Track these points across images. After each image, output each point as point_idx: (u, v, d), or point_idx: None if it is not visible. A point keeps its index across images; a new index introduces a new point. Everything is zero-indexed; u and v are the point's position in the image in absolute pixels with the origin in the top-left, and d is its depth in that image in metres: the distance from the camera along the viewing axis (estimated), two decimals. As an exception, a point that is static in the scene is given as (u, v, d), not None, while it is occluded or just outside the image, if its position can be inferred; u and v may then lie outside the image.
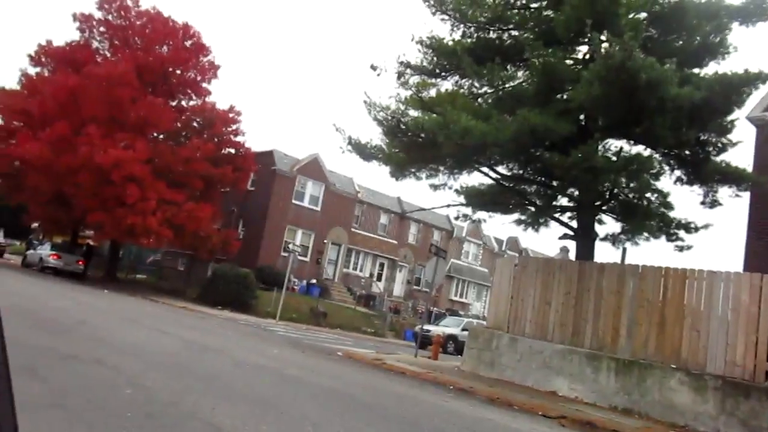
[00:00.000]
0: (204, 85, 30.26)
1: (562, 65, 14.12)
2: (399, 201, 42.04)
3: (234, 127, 29.42)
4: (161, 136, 28.82)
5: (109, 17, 28.70)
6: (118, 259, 32.61)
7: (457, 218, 18.96)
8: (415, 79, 16.65)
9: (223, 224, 32.19)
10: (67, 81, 25.74)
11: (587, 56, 14.54)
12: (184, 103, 30.65)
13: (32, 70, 30.47)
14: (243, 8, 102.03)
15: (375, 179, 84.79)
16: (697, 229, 15.42)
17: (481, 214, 18.30)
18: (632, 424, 9.97)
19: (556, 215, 16.59)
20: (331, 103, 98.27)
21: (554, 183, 15.73)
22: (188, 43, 29.29)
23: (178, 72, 29.46)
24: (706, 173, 14.65)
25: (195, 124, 29.37)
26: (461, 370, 14.50)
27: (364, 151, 16.61)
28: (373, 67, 16.00)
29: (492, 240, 48.51)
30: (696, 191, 15.45)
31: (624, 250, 15.97)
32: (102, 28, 29.04)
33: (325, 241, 36.90)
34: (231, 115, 29.25)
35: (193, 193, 27.50)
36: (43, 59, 29.95)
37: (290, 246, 28.82)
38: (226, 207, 32.23)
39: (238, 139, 29.86)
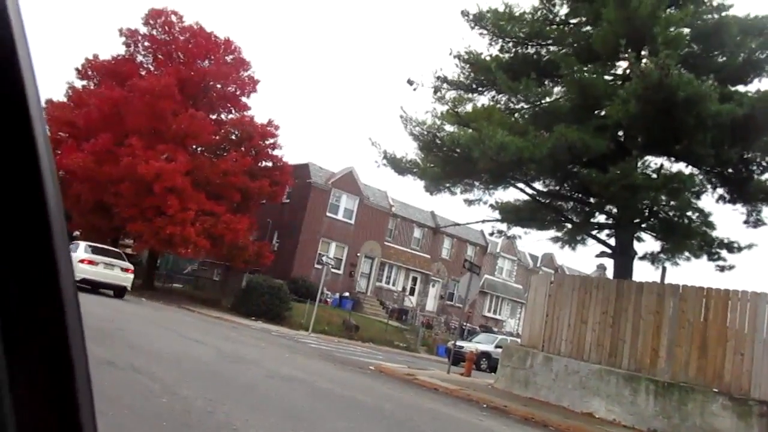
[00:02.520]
0: (243, 99, 30.70)
1: (599, 81, 13.95)
2: (433, 215, 41.93)
3: (271, 140, 29.72)
4: (200, 149, 29.33)
5: (154, 32, 29.42)
6: (155, 268, 33.17)
7: (491, 234, 18.80)
8: (451, 94, 16.65)
9: (258, 236, 32.50)
10: (111, 93, 26.45)
11: (628, 71, 14.34)
12: (223, 116, 31.16)
13: (79, 83, 31.48)
14: (280, 22, 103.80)
15: (409, 193, 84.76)
16: (740, 248, 14.99)
17: (516, 230, 18.14)
18: (672, 449, 9.66)
19: (594, 232, 16.32)
20: (367, 117, 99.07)
21: (592, 200, 15.49)
22: (229, 58, 29.81)
23: (219, 86, 29.97)
24: (749, 192, 14.26)
25: (233, 137, 29.80)
26: (495, 388, 14.28)
27: (399, 166, 16.64)
28: (410, 82, 16.06)
29: (527, 256, 47.95)
30: (739, 210, 15.05)
31: (663, 269, 15.61)
32: (147, 43, 29.78)
33: (359, 254, 36.96)
34: (269, 129, 29.57)
35: (231, 205, 27.87)
36: (90, 72, 30.88)
37: (324, 258, 28.90)
38: (262, 218, 32.54)
39: (276, 152, 30.17)
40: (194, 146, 28.78)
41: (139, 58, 30.33)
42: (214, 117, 30.05)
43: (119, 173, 25.01)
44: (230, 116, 31.01)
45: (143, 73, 28.95)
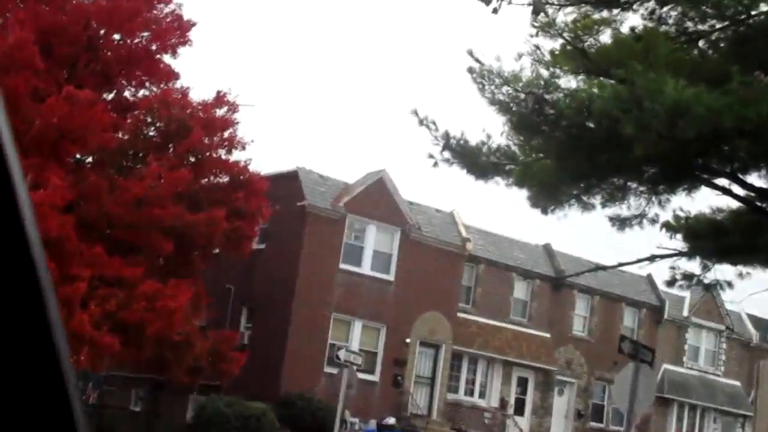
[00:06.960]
0: (165, 57, 30.69)
1: None
2: (547, 252, 41.78)
3: (226, 133, 29.63)
4: (90, 160, 29.49)
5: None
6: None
7: (671, 282, 18.64)
8: (568, 15, 16.66)
9: (210, 320, 32.49)
10: None
11: None
12: (128, 93, 31.29)
13: None
14: None
15: (496, 211, 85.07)
16: None
17: (720, 271, 17.95)
18: None
19: None
20: (394, 88, 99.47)
21: None
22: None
23: (116, 37, 30.11)
24: None
25: (151, 130, 29.86)
26: None
27: (476, 160, 16.65)
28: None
29: (744, 320, 47.28)
30: None
31: None
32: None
33: (408, 340, 36.87)
34: (220, 115, 29.42)
35: (155, 263, 27.99)
36: None
37: (341, 354, 28.92)
38: (217, 285, 32.63)
39: (234, 156, 30.16)
40: (78, 155, 29.02)
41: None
42: (111, 96, 30.25)
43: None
44: (142, 92, 31.14)
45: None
